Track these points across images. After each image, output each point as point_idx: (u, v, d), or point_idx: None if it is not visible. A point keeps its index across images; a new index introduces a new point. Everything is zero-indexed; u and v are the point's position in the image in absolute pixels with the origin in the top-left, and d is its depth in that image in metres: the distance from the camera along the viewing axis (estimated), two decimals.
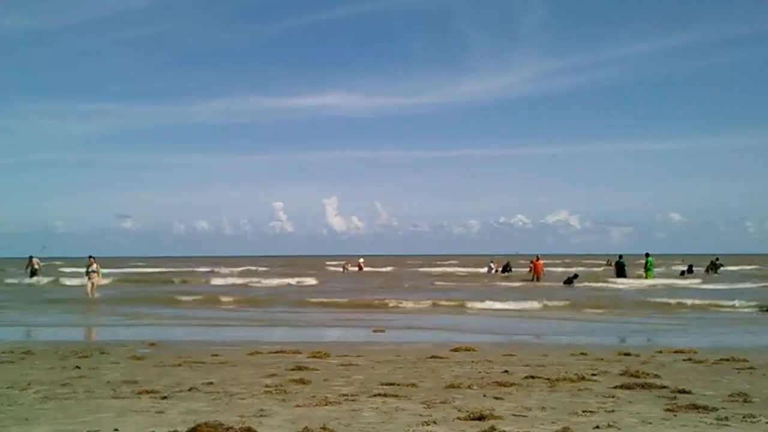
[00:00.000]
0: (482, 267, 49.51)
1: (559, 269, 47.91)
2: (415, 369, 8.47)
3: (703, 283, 31.52)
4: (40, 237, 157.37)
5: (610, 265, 47.31)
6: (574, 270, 38.68)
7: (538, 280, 34.31)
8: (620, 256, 33.42)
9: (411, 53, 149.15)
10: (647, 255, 32.12)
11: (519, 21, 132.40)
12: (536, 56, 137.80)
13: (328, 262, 57.54)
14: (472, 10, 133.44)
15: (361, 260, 52.22)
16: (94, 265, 24.46)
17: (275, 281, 35.69)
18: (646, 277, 31.14)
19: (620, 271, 31.87)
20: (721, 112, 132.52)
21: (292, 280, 36.13)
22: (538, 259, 35.52)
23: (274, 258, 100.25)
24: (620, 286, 28.69)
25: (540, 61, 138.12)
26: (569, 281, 30.36)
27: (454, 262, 72.43)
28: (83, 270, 26.02)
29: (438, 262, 68.41)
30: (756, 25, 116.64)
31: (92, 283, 24.33)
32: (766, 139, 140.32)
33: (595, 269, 48.69)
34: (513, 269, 41.29)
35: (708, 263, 42.75)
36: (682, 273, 40.42)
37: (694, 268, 40.72)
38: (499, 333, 14.11)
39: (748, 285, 29.21)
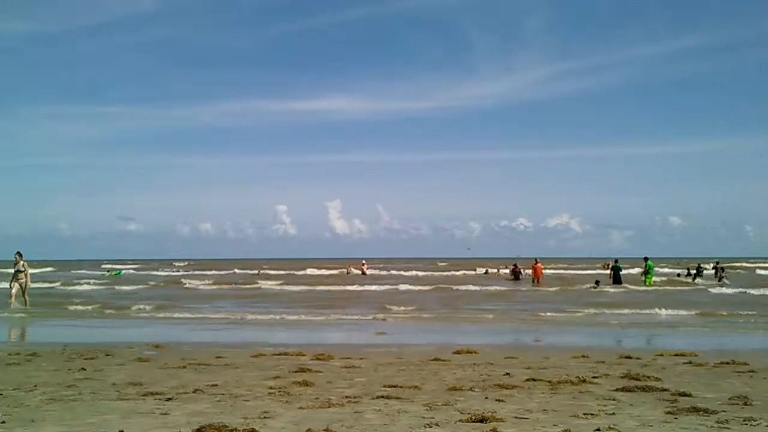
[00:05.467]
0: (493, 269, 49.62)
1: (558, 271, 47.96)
2: (417, 371, 8.52)
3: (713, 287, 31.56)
4: (43, 240, 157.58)
5: (607, 267, 47.45)
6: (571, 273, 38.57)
7: (538, 282, 34.33)
8: (616, 261, 32.98)
9: (414, 56, 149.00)
10: (646, 259, 31.57)
11: (523, 24, 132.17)
12: (539, 59, 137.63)
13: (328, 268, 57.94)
14: (475, 13, 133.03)
15: (364, 263, 52.22)
16: (21, 263, 20.29)
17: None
18: (645, 283, 30.64)
19: (616, 277, 31.37)
20: (722, 116, 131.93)
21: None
22: (536, 263, 35.44)
23: (279, 260, 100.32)
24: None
25: (543, 64, 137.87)
26: (593, 287, 29.96)
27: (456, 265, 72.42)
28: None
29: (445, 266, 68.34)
30: (758, 29, 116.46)
31: (19, 286, 20.22)
32: (767, 143, 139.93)
33: (594, 271, 48.60)
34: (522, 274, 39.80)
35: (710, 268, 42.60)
36: (678, 275, 40.33)
37: (692, 272, 40.68)
38: (501, 336, 14.17)
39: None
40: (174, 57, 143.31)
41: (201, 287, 34.67)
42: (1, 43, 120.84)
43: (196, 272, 56.71)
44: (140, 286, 34.73)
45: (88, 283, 36.67)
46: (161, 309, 20.84)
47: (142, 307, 21.24)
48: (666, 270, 45.50)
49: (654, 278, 32.23)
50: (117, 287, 33.69)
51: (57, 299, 24.56)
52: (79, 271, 59.08)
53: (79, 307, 21.48)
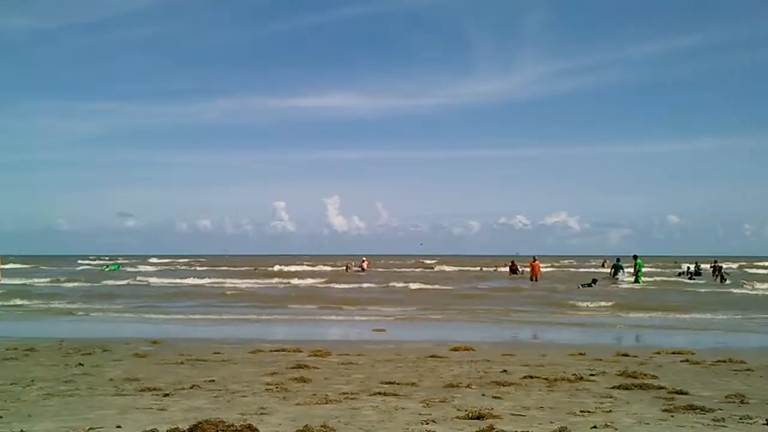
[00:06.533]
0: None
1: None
2: (414, 368, 8.52)
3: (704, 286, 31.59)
4: (42, 236, 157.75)
5: (604, 266, 47.57)
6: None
7: (536, 280, 34.52)
8: (618, 259, 33.62)
9: (413, 54, 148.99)
10: (636, 257, 31.46)
11: (522, 22, 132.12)
12: (538, 58, 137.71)
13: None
14: (475, 11, 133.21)
15: (364, 260, 52.25)
16: None
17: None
18: (636, 281, 30.70)
19: (616, 274, 32.06)
20: (720, 115, 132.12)
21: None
22: (535, 260, 35.90)
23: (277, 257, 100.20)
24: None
25: (542, 62, 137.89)
26: (588, 285, 29.93)
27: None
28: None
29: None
30: (757, 28, 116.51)
31: None
32: (765, 142, 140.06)
33: (591, 269, 48.59)
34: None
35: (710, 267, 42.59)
36: (680, 275, 40.40)
37: (690, 271, 40.71)
38: (499, 333, 14.19)
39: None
40: (173, 54, 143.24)
41: (152, 284, 33.30)
42: (0, 39, 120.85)
43: (172, 269, 56.48)
44: (83, 284, 33.07)
45: (46, 281, 35.40)
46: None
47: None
48: (652, 269, 45.49)
49: (656, 278, 32.41)
50: (69, 284, 32.50)
51: None
52: (46, 268, 56.71)
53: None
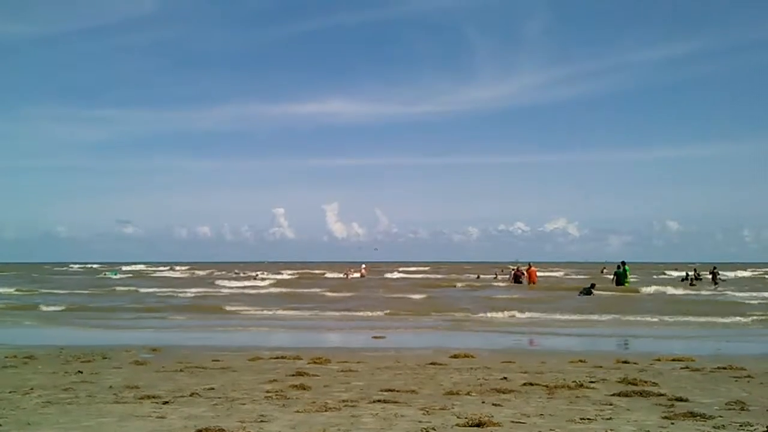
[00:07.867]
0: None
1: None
2: (414, 375, 8.51)
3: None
4: (41, 242, 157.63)
5: (603, 273, 47.64)
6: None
7: (533, 285, 34.80)
8: (618, 266, 33.87)
9: (414, 60, 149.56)
10: (623, 263, 32.66)
11: (523, 28, 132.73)
12: (539, 64, 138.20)
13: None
14: (476, 16, 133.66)
15: (363, 266, 52.22)
16: None
17: None
18: (624, 285, 31.53)
19: (618, 281, 32.28)
20: (720, 120, 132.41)
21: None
22: (530, 267, 36.41)
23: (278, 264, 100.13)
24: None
25: (542, 68, 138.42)
26: (587, 292, 29.86)
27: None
28: None
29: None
30: (756, 33, 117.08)
31: None
32: (765, 147, 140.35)
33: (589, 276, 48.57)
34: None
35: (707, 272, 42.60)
36: (682, 280, 40.42)
37: (690, 277, 40.71)
38: (499, 340, 14.16)
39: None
40: (173, 60, 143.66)
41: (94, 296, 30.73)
42: (1, 44, 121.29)
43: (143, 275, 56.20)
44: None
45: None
46: None
47: None
48: (653, 277, 45.54)
49: (654, 285, 32.77)
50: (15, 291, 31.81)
51: None
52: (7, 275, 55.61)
53: None
